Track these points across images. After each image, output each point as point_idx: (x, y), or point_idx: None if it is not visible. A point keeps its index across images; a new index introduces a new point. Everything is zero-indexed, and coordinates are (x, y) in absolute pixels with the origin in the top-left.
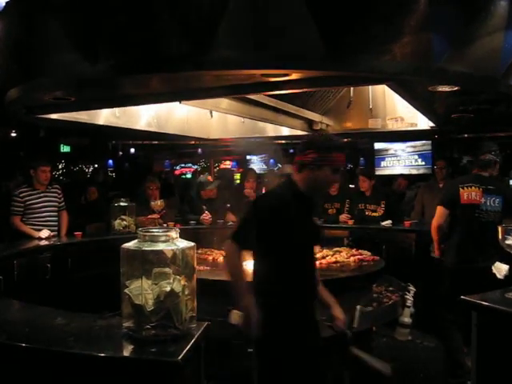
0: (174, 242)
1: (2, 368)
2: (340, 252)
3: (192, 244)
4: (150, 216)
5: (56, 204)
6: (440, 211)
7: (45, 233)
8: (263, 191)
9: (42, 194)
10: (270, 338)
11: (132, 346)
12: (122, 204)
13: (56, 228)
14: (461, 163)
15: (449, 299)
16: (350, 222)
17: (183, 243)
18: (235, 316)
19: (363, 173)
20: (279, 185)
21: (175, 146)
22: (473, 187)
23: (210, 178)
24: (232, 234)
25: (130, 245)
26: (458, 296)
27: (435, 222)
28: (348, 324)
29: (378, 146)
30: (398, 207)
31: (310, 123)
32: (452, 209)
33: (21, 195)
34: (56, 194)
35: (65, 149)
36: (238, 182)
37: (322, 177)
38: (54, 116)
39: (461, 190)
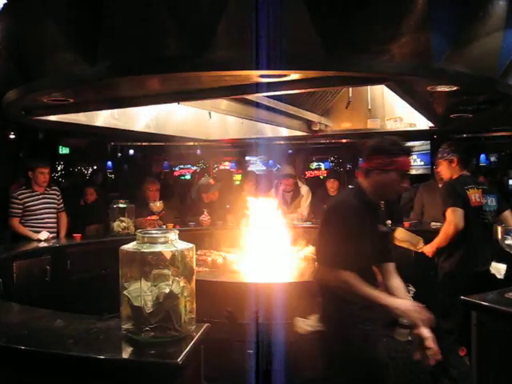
0: (172, 244)
1: (1, 371)
2: None
3: (191, 245)
4: (149, 217)
5: (55, 206)
6: (459, 213)
7: (44, 235)
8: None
9: (40, 196)
10: (338, 330)
11: (131, 348)
12: (120, 206)
13: (55, 230)
14: None
15: (446, 305)
16: None
17: (182, 245)
18: (301, 323)
19: None
20: (348, 192)
21: (174, 147)
22: (474, 189)
23: (211, 181)
24: (333, 264)
25: (129, 246)
26: (456, 300)
27: (458, 223)
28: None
29: None
30: (397, 207)
31: (308, 124)
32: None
33: (19, 197)
34: (55, 196)
35: (64, 150)
36: (238, 183)
37: (389, 181)
38: (52, 118)
39: (467, 192)
